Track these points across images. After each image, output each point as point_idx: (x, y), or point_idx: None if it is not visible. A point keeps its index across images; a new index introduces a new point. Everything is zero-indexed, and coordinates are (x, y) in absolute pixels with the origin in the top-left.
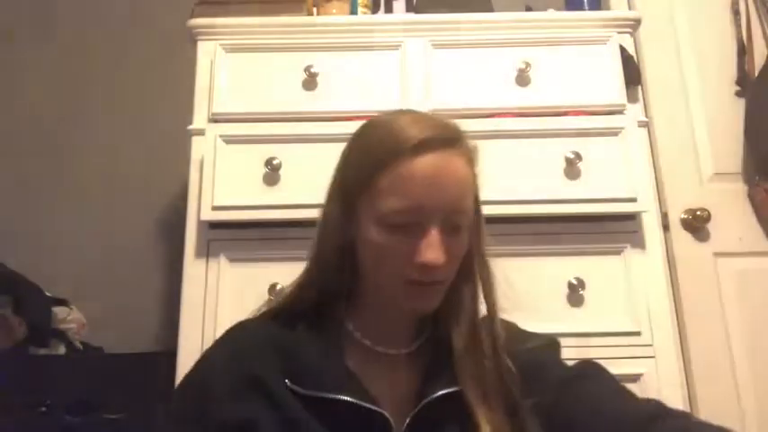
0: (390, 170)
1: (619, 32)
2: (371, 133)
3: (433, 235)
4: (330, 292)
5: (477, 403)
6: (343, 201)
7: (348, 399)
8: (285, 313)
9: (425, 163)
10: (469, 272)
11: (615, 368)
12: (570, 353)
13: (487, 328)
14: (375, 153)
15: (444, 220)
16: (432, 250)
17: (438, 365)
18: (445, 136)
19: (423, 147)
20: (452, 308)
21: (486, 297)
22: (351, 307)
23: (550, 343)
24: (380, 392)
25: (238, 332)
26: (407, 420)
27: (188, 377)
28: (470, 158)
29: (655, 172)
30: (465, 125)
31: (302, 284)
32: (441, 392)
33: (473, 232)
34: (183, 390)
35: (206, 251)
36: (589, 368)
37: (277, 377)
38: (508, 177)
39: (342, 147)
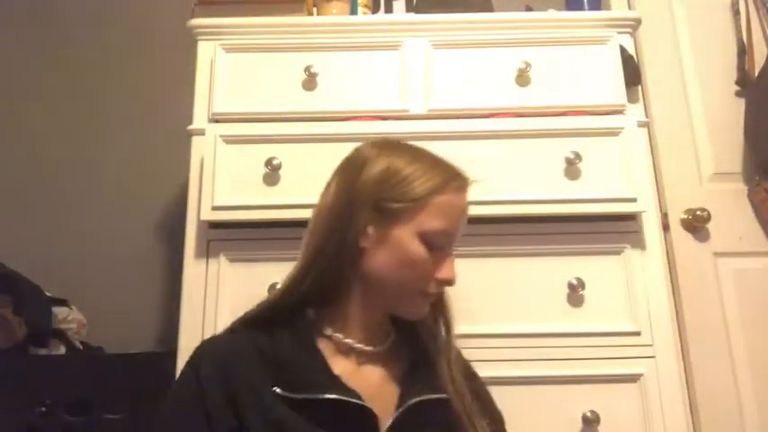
0: (446, 195)
1: (619, 32)
2: (429, 158)
3: (452, 256)
4: (312, 292)
5: (464, 411)
6: (376, 206)
7: (336, 396)
8: (262, 320)
9: (463, 199)
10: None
11: (615, 368)
12: (570, 353)
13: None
14: (437, 176)
15: None
16: (453, 270)
17: (417, 368)
18: (469, 182)
19: (466, 187)
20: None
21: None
22: (329, 306)
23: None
24: (363, 389)
25: (214, 345)
26: (392, 420)
27: (172, 401)
28: None
29: (655, 172)
30: (465, 125)
31: (296, 278)
32: (427, 397)
33: None
34: (172, 411)
35: (206, 251)
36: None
37: (264, 384)
38: (508, 177)
39: (342, 146)
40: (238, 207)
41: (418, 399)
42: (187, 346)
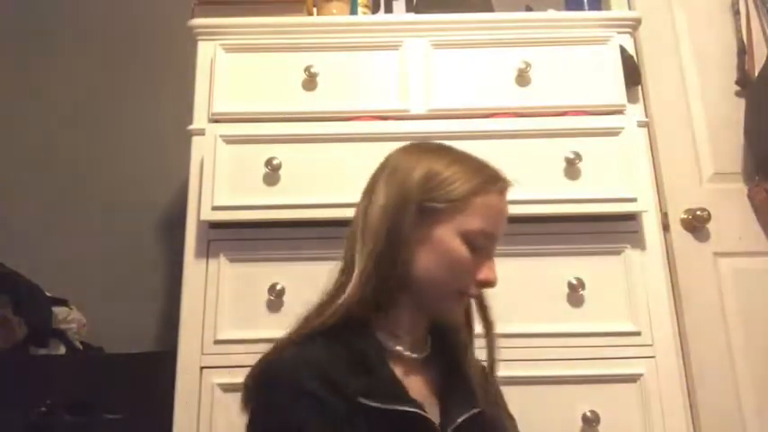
0: (484, 197)
1: (619, 32)
2: (469, 160)
3: (493, 258)
4: (366, 299)
5: (498, 422)
6: (419, 207)
7: (414, 410)
8: (331, 330)
9: (503, 200)
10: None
11: (615, 368)
12: (570, 353)
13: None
14: (477, 177)
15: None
16: (494, 272)
17: (453, 378)
18: (509, 184)
19: (505, 189)
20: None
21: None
22: (380, 313)
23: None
24: (418, 399)
25: (300, 359)
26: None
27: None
28: None
29: (655, 172)
30: (465, 125)
31: (360, 284)
32: (473, 412)
33: None
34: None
35: (206, 251)
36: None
37: (353, 393)
38: (508, 177)
39: (342, 146)
40: (238, 207)
41: (468, 415)
42: (187, 345)
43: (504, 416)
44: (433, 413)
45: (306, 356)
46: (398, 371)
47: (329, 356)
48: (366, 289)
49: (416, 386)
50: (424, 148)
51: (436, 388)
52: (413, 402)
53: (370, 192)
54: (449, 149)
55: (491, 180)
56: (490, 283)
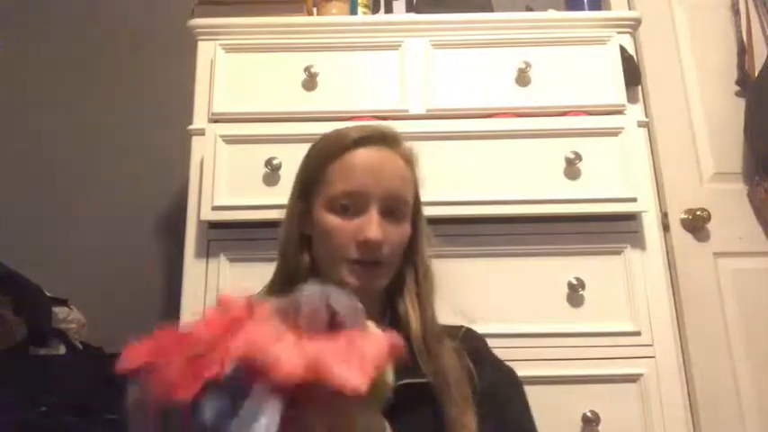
0: (337, 161)
1: (619, 32)
2: (323, 138)
3: (373, 215)
4: (292, 283)
5: (442, 396)
6: (301, 195)
7: None
8: None
9: (365, 154)
10: (414, 268)
11: (615, 368)
12: (570, 353)
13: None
14: (325, 150)
15: (384, 206)
16: (371, 229)
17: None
18: (380, 135)
19: (362, 141)
20: (404, 298)
21: (422, 294)
22: None
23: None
24: None
25: None
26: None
27: None
28: (408, 159)
29: (655, 172)
30: (465, 125)
31: (273, 281)
32: (406, 381)
33: (414, 230)
34: None
35: (206, 251)
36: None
37: None
38: (508, 177)
39: None
40: (238, 207)
41: (404, 383)
42: None
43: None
44: None
45: None
46: None
47: None
48: (282, 277)
49: None
50: None
51: None
52: None
53: None
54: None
55: (343, 141)
56: (367, 243)
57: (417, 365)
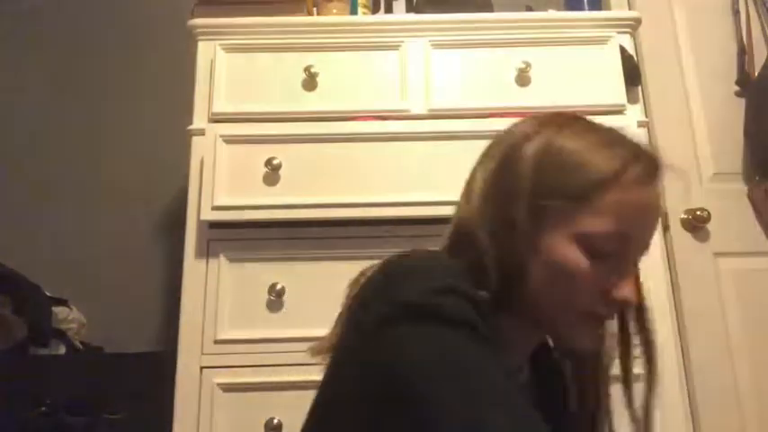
0: (619, 191)
1: (619, 32)
2: (596, 141)
3: (632, 271)
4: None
5: None
6: (530, 204)
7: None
8: None
9: (649, 195)
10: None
11: (615, 368)
12: None
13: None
14: (603, 167)
15: (638, 259)
16: (630, 288)
17: (552, 407)
18: (661, 170)
19: (653, 177)
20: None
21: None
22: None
23: None
24: None
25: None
26: None
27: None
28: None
29: None
30: (465, 125)
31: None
32: None
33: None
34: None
35: (206, 251)
36: None
37: None
38: None
39: (342, 146)
40: (238, 207)
41: None
42: (187, 345)
43: None
44: None
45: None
46: None
47: None
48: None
49: None
50: (546, 119)
51: None
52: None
53: (470, 178)
54: (581, 120)
55: (635, 168)
56: (625, 303)
57: None
